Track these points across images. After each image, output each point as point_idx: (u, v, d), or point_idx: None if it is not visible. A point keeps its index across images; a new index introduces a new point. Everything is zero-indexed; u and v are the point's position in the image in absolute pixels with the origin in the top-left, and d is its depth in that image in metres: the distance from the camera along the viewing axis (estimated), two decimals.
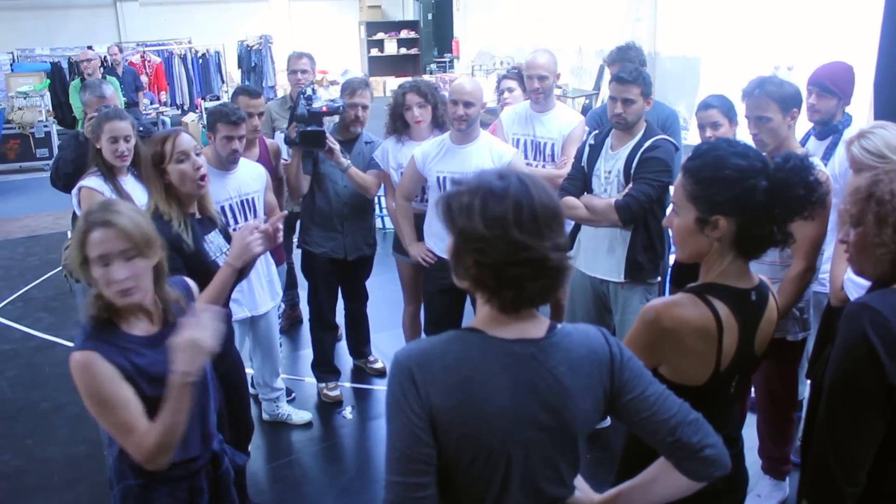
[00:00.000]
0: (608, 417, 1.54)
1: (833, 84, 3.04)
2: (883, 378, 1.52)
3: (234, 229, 3.22)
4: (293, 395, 4.08)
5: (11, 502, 3.33)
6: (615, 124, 3.08)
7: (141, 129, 3.36)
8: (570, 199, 3.07)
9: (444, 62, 16.35)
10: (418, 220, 3.65)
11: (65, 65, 12.15)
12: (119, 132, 3.07)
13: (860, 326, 1.55)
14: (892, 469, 1.62)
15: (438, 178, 3.38)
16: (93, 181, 3.09)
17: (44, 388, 4.34)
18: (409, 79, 3.93)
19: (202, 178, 2.53)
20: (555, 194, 1.33)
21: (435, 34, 17.63)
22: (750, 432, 2.45)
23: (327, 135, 3.54)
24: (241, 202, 3.31)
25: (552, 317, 3.23)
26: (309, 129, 3.49)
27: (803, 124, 3.06)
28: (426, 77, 9.38)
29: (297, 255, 4.29)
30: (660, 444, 1.40)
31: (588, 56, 11.60)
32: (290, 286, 4.79)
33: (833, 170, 2.94)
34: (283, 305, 4.77)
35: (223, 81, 13.70)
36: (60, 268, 3.59)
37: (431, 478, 1.30)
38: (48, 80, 11.57)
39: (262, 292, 3.38)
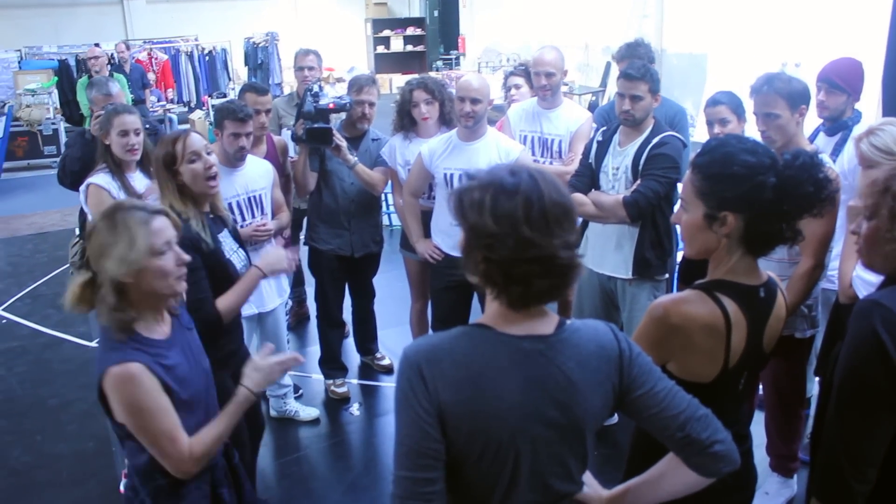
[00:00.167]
0: (616, 414, 1.55)
1: (841, 80, 3.03)
2: (893, 375, 1.51)
3: (242, 226, 3.23)
4: (300, 391, 4.09)
5: (21, 498, 3.35)
6: (623, 121, 3.07)
7: (147, 126, 3.37)
8: (578, 196, 3.07)
9: (451, 59, 16.35)
10: (425, 217, 3.65)
11: (72, 62, 12.20)
12: (129, 125, 3.08)
13: (870, 323, 1.55)
14: None
15: (445, 174, 3.38)
16: (100, 178, 3.10)
17: (52, 385, 4.37)
18: (417, 76, 3.92)
19: (214, 177, 2.54)
20: (566, 191, 1.33)
21: (441, 31, 17.62)
22: (758, 429, 2.45)
23: (334, 132, 3.54)
24: (249, 199, 3.31)
25: (559, 313, 3.22)
26: (316, 125, 3.49)
27: (812, 120, 3.05)
28: (433, 74, 9.38)
29: (303, 251, 4.29)
30: (669, 440, 1.40)
31: (594, 53, 11.58)
32: (297, 283, 4.81)
33: (842, 166, 2.93)
34: (290, 302, 4.78)
35: (230, 79, 13.73)
36: (68, 265, 3.59)
37: (440, 473, 1.30)
38: (56, 78, 11.62)
39: (270, 289, 3.38)
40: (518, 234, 1.24)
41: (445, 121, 3.71)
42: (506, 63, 12.58)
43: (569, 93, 9.14)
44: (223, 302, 2.48)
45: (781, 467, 3.04)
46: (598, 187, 3.17)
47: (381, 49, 17.24)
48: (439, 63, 16.36)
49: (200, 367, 1.95)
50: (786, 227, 1.62)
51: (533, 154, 3.78)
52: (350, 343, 4.44)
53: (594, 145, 3.22)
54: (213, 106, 10.03)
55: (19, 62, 12.48)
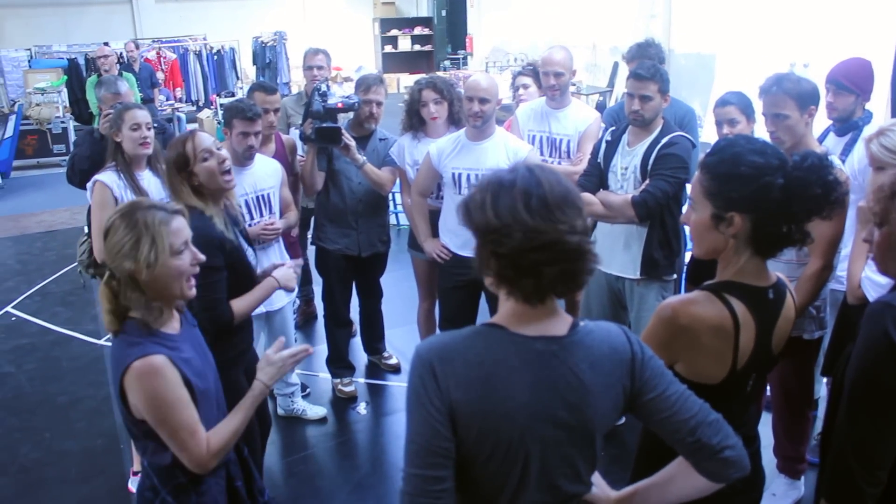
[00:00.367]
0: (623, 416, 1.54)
1: (849, 81, 3.01)
2: None
3: (250, 225, 3.25)
4: (308, 390, 4.10)
5: (31, 494, 3.37)
6: (632, 121, 3.07)
7: (156, 125, 3.38)
8: (587, 195, 3.06)
9: (458, 59, 16.36)
10: (433, 217, 3.66)
11: (82, 61, 12.25)
12: (140, 119, 3.09)
13: (882, 326, 1.54)
14: None
15: (454, 174, 3.38)
16: (107, 176, 3.11)
17: (61, 382, 4.39)
18: (426, 75, 3.93)
19: (228, 171, 2.56)
20: (566, 179, 1.33)
21: (449, 31, 17.64)
22: (765, 431, 2.44)
23: (343, 131, 3.55)
24: (257, 198, 3.33)
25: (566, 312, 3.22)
26: (325, 125, 3.50)
27: (822, 121, 3.04)
28: (440, 74, 9.39)
29: (311, 251, 4.30)
30: (679, 444, 1.39)
31: (602, 53, 11.57)
32: (304, 282, 4.82)
33: (852, 166, 2.92)
34: (297, 301, 4.79)
35: (238, 78, 13.78)
36: (76, 263, 3.60)
37: (449, 471, 1.31)
38: (65, 77, 11.68)
39: None
40: (520, 223, 1.25)
41: (454, 120, 3.71)
42: (513, 63, 12.58)
43: (576, 93, 9.13)
44: (238, 305, 2.51)
45: (789, 469, 3.03)
46: (606, 187, 3.17)
47: (388, 49, 17.27)
48: (447, 63, 16.38)
49: (209, 361, 1.97)
50: (794, 229, 1.61)
51: (541, 154, 3.78)
52: (357, 342, 4.45)
53: (603, 145, 3.22)
54: (221, 105, 10.07)
55: (29, 61, 12.55)
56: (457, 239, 3.46)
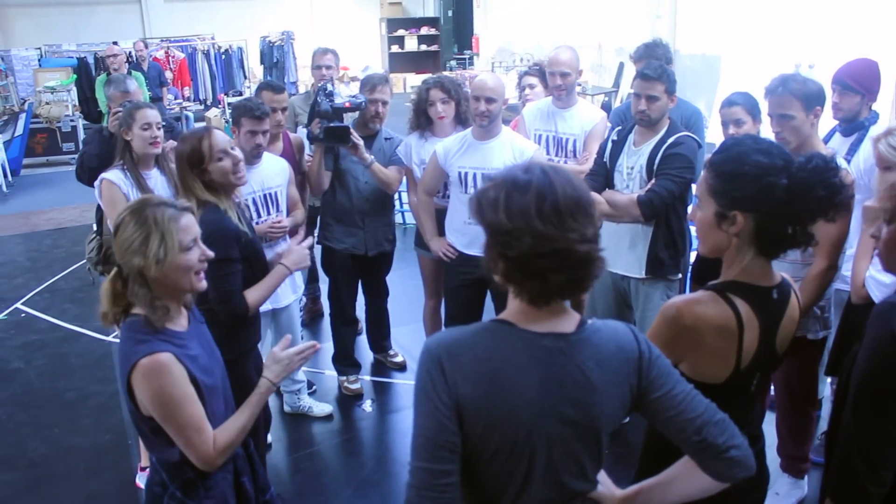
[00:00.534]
0: None
1: (855, 81, 3.01)
2: None
3: (257, 222, 3.27)
4: (314, 387, 4.12)
5: (40, 488, 3.40)
6: (639, 121, 3.08)
7: (164, 123, 3.40)
8: (592, 195, 3.07)
9: (464, 59, 16.37)
10: (440, 216, 3.67)
11: (91, 60, 12.31)
12: (151, 119, 3.11)
13: (889, 326, 1.54)
14: None
15: (460, 173, 3.40)
16: (113, 174, 3.13)
17: (70, 378, 4.42)
18: (433, 75, 3.94)
19: (242, 170, 2.60)
20: (582, 185, 1.33)
21: (455, 31, 17.65)
22: (769, 430, 2.45)
23: (352, 130, 3.56)
24: (265, 196, 3.34)
25: None
26: (334, 124, 3.51)
27: (828, 121, 3.04)
28: (447, 74, 9.38)
29: (317, 250, 4.32)
30: (685, 443, 1.40)
31: (608, 53, 11.56)
32: (311, 280, 4.84)
33: (858, 166, 2.92)
34: (304, 299, 4.81)
35: (245, 77, 13.81)
36: (85, 260, 3.63)
37: (455, 465, 1.32)
38: (75, 76, 11.73)
39: (284, 285, 3.37)
40: (531, 228, 1.25)
41: (461, 120, 3.73)
42: (519, 63, 12.59)
43: (581, 93, 9.12)
44: (251, 295, 2.54)
45: (792, 468, 3.04)
46: (612, 186, 3.18)
47: (395, 48, 17.29)
48: (453, 63, 16.38)
49: (216, 358, 1.98)
50: (798, 231, 1.61)
51: (547, 153, 3.79)
52: (363, 340, 4.47)
53: (609, 145, 3.23)
54: (229, 104, 10.10)
55: (39, 60, 12.62)
56: (463, 238, 3.48)
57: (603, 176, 3.20)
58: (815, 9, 7.85)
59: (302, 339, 3.96)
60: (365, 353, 4.43)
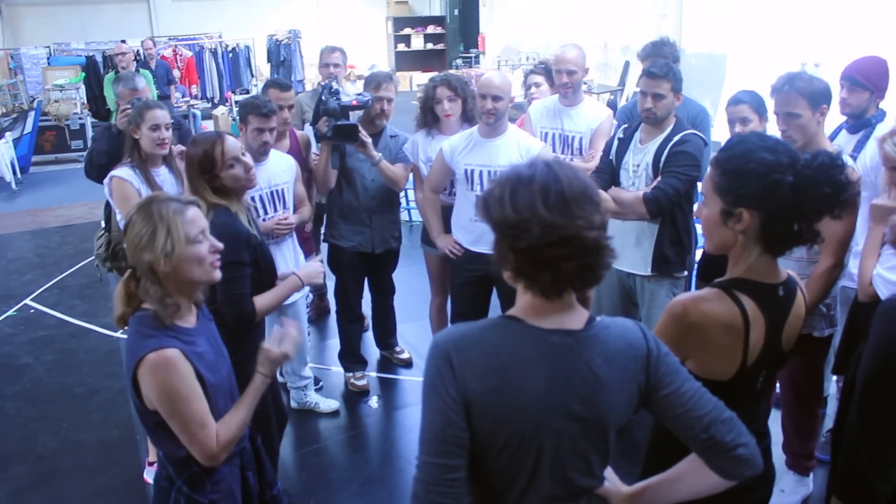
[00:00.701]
0: None
1: (864, 78, 3.01)
2: None
3: (264, 219, 3.29)
4: (321, 383, 4.14)
5: (49, 483, 3.43)
6: (645, 119, 3.08)
7: (172, 121, 3.42)
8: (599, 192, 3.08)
9: (470, 57, 16.36)
10: (446, 213, 3.68)
11: (99, 58, 12.35)
12: (160, 120, 3.14)
13: (895, 323, 1.54)
14: None
15: (466, 170, 3.41)
16: (123, 171, 3.15)
17: (78, 374, 4.45)
18: (440, 73, 3.95)
19: (253, 175, 2.61)
20: (584, 175, 1.34)
21: (461, 29, 17.65)
22: (774, 427, 2.45)
23: (360, 128, 3.57)
24: (271, 193, 3.36)
25: None
26: (342, 123, 3.52)
27: (834, 118, 3.04)
28: (453, 72, 9.38)
29: (323, 248, 4.33)
30: (692, 441, 1.40)
31: (613, 52, 11.55)
32: None
33: (864, 163, 2.92)
34: (310, 296, 4.83)
35: (252, 75, 13.83)
36: (94, 257, 3.66)
37: (463, 461, 1.32)
38: (83, 74, 11.78)
39: None
40: (539, 218, 1.26)
41: (468, 118, 3.73)
42: (525, 61, 12.58)
43: (587, 91, 9.12)
44: (260, 301, 2.54)
45: (797, 465, 3.04)
46: (618, 184, 3.18)
47: (401, 47, 17.32)
48: (459, 61, 16.39)
49: (223, 355, 2.00)
50: (804, 228, 1.61)
51: (554, 151, 3.80)
52: (369, 336, 4.48)
53: (615, 142, 3.24)
54: (236, 102, 10.14)
55: (48, 58, 12.67)
56: (469, 235, 3.49)
57: (609, 173, 3.21)
58: (821, 7, 7.83)
59: (308, 335, 3.98)
60: (371, 349, 4.45)
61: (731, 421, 1.39)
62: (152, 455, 3.37)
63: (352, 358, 4.14)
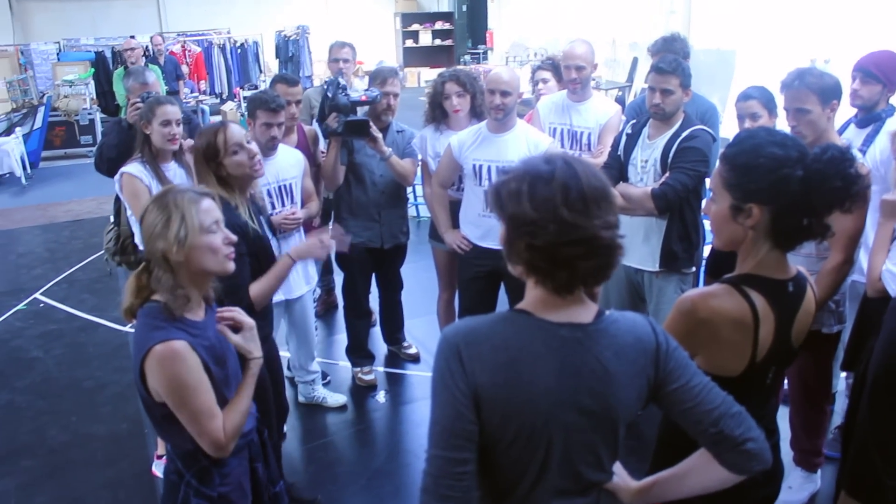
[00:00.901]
0: None
1: (879, 70, 2.98)
2: None
3: (272, 214, 3.29)
4: (328, 378, 4.15)
5: (59, 475, 3.45)
6: (653, 114, 3.07)
7: (182, 115, 3.43)
8: None
9: (478, 53, 16.35)
10: (454, 208, 3.68)
11: (108, 54, 12.43)
12: (171, 115, 3.15)
13: None
14: None
15: (475, 165, 3.41)
16: (134, 167, 3.16)
17: (87, 367, 4.48)
18: (450, 68, 3.95)
19: (259, 163, 2.60)
20: (602, 174, 1.34)
21: (469, 25, 17.63)
22: (782, 424, 2.44)
23: (371, 123, 3.58)
24: (279, 188, 3.37)
25: None
26: (353, 118, 3.53)
27: (842, 113, 3.02)
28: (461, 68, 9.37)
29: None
30: (701, 436, 1.39)
31: (621, 48, 11.52)
32: (325, 272, 4.86)
33: (874, 158, 2.90)
34: (318, 290, 4.84)
35: (261, 71, 13.88)
36: (103, 251, 3.67)
37: (472, 454, 1.32)
38: (92, 69, 11.85)
39: (297, 276, 3.43)
40: (558, 218, 1.25)
41: (476, 113, 3.73)
42: (533, 58, 12.56)
43: (595, 88, 9.11)
44: (255, 288, 2.52)
45: (805, 462, 3.03)
46: (626, 180, 3.17)
47: (409, 43, 17.32)
48: (467, 57, 16.37)
49: (230, 348, 1.99)
50: (814, 222, 1.60)
51: (562, 146, 3.80)
52: (377, 331, 4.49)
53: (623, 138, 3.23)
54: (244, 97, 10.16)
55: (58, 54, 12.74)
56: (477, 230, 3.49)
57: (617, 169, 3.20)
58: (830, 3, 7.78)
59: (316, 329, 3.99)
60: (379, 344, 4.46)
61: (740, 415, 1.38)
62: (161, 448, 3.39)
63: (359, 353, 4.15)
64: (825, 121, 2.64)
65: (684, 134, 3.00)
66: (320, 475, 3.41)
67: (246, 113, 3.55)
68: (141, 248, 3.21)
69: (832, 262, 2.57)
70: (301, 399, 3.91)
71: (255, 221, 2.59)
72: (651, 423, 2.03)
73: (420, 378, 4.19)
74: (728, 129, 3.44)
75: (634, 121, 3.25)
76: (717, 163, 1.71)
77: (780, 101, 2.83)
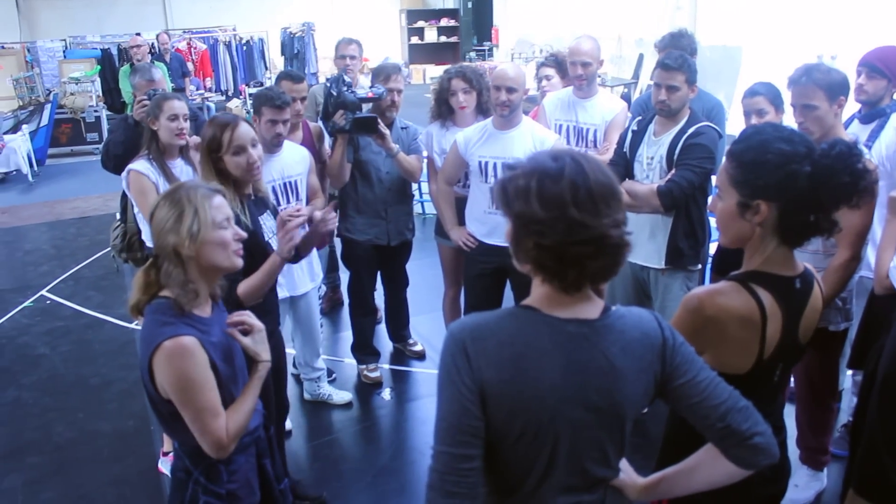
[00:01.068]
0: None
1: (884, 65, 2.97)
2: None
3: (277, 210, 3.29)
4: (334, 375, 4.15)
5: (65, 471, 3.46)
6: (659, 111, 3.06)
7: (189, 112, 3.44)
8: None
9: (484, 50, 16.33)
10: (460, 205, 3.68)
11: (114, 51, 12.45)
12: (178, 111, 3.15)
13: None
14: None
15: (480, 162, 3.40)
16: (140, 164, 3.17)
17: (94, 364, 4.49)
18: (456, 64, 3.94)
19: (256, 169, 2.59)
20: (610, 172, 1.33)
21: (475, 22, 17.60)
22: (788, 422, 2.44)
23: (379, 120, 3.57)
24: (285, 184, 3.36)
25: None
26: (362, 115, 3.52)
27: (848, 107, 3.00)
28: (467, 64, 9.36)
29: (337, 242, 4.34)
30: (709, 430, 1.39)
31: (627, 45, 11.48)
32: (331, 269, 4.86)
33: (880, 153, 2.88)
34: (324, 288, 4.84)
35: (266, 68, 13.89)
36: (109, 248, 3.68)
37: (478, 450, 1.32)
38: (98, 67, 11.87)
39: (302, 273, 3.44)
40: (567, 217, 1.25)
41: (482, 110, 3.73)
42: (538, 54, 12.52)
43: (601, 84, 9.09)
44: (243, 286, 2.47)
45: (811, 460, 3.02)
46: (632, 176, 3.16)
47: (415, 40, 17.29)
48: (472, 54, 16.35)
49: (237, 346, 2.00)
50: (822, 218, 1.59)
51: (568, 143, 3.79)
52: (382, 329, 4.49)
53: (629, 135, 3.22)
54: (250, 94, 10.17)
55: (64, 51, 12.76)
56: (483, 227, 3.48)
57: (623, 166, 3.19)
58: (837, 0, 7.74)
59: (322, 327, 4.00)
60: (384, 341, 4.46)
61: (747, 410, 1.38)
62: (167, 445, 3.40)
63: (365, 350, 4.15)
64: (832, 117, 2.63)
65: (690, 130, 2.99)
66: (325, 472, 3.41)
67: (251, 110, 3.55)
68: (148, 244, 3.22)
69: (839, 259, 2.56)
70: (306, 396, 3.92)
71: (248, 217, 2.57)
72: (656, 421, 2.02)
73: (425, 375, 4.19)
74: (734, 125, 3.43)
75: (640, 117, 3.24)
76: (724, 159, 1.71)
77: (786, 97, 2.82)
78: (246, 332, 1.94)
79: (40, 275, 6.03)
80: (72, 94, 10.58)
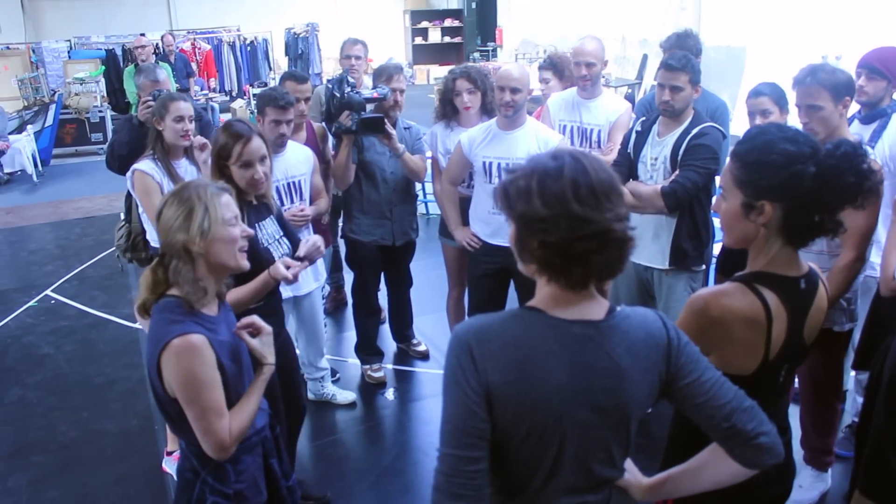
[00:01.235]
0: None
1: (884, 66, 2.97)
2: None
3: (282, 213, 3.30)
4: (337, 375, 4.15)
5: (70, 470, 3.47)
6: (662, 111, 3.06)
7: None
8: None
9: (488, 51, 16.33)
10: (464, 205, 3.68)
11: (119, 52, 12.48)
12: (184, 111, 3.15)
13: None
14: None
15: (484, 163, 3.40)
16: (145, 164, 3.17)
17: (98, 364, 4.50)
18: (460, 65, 3.94)
19: (261, 186, 2.58)
20: (609, 167, 1.34)
21: (478, 23, 17.60)
22: (792, 423, 2.43)
23: (386, 120, 3.57)
24: (288, 185, 3.37)
25: None
26: (368, 115, 3.52)
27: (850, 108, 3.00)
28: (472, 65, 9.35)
29: (341, 243, 4.34)
30: (714, 430, 1.39)
31: (631, 45, 11.48)
32: (335, 269, 4.87)
33: (882, 153, 2.88)
34: (328, 287, 4.84)
35: (270, 68, 13.92)
36: (114, 248, 3.69)
37: (484, 452, 1.32)
38: (103, 67, 11.91)
39: (306, 273, 3.38)
40: (570, 213, 1.25)
41: (487, 110, 3.73)
42: (542, 55, 12.52)
43: (605, 85, 9.08)
44: (232, 295, 2.34)
45: (816, 461, 3.01)
46: (636, 177, 3.16)
47: (419, 40, 17.32)
48: (476, 55, 16.35)
49: (243, 345, 2.01)
50: (826, 218, 1.59)
51: (572, 144, 3.79)
52: (386, 329, 4.49)
53: (633, 135, 3.22)
54: (254, 95, 10.19)
55: (69, 52, 12.81)
56: (487, 227, 3.49)
57: (627, 167, 3.19)
58: (841, 0, 7.73)
59: (325, 326, 4.00)
60: (388, 341, 4.46)
61: (752, 409, 1.38)
62: (171, 444, 3.41)
63: (368, 350, 4.15)
64: (837, 117, 2.62)
65: (694, 131, 2.99)
66: (329, 472, 3.41)
67: (255, 110, 3.55)
68: (153, 244, 3.23)
69: (844, 260, 2.55)
70: (310, 396, 3.92)
71: (246, 221, 2.56)
72: (661, 422, 2.02)
73: (429, 375, 4.19)
74: (738, 126, 3.42)
75: (644, 118, 3.24)
76: (728, 160, 1.70)
77: (791, 97, 2.81)
78: (254, 334, 1.95)
79: (45, 274, 6.04)
80: (76, 94, 10.61)
